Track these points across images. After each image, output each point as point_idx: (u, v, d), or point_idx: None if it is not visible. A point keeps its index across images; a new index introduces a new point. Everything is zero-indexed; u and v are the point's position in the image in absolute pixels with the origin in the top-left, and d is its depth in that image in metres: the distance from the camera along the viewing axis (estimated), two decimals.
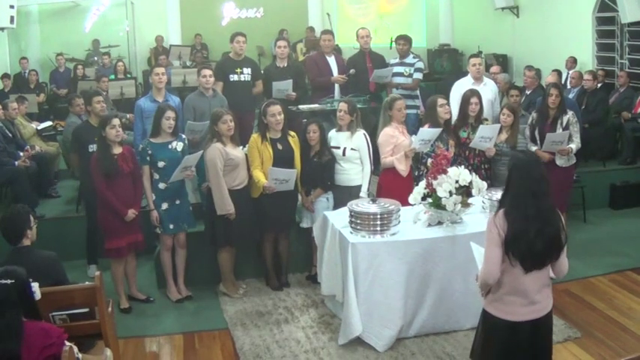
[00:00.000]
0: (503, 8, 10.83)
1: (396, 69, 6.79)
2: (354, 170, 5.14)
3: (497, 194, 4.54)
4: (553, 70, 8.02)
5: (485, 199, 4.59)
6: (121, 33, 12.24)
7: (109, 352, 3.40)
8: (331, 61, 6.65)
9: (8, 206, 4.68)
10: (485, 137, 5.28)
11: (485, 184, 4.52)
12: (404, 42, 6.94)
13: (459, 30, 12.81)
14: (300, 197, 5.25)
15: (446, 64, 12.11)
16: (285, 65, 6.53)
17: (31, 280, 2.86)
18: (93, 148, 4.98)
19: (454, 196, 4.24)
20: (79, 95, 6.52)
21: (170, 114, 4.90)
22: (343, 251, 4.28)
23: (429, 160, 5.03)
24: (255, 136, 5.10)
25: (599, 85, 8.07)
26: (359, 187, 5.10)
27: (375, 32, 7.78)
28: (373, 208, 4.29)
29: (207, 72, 5.75)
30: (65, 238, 5.67)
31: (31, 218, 3.64)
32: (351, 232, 4.30)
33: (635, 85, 8.20)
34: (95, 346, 3.45)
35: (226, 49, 8.20)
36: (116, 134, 4.70)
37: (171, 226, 4.98)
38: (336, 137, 5.20)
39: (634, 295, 4.96)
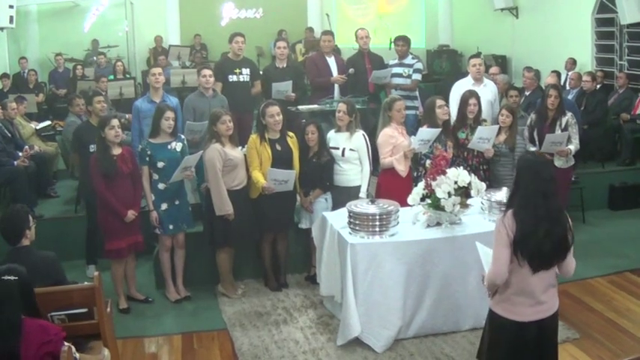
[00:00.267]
0: (502, 9, 10.81)
1: (395, 70, 6.78)
2: (353, 171, 5.14)
3: (496, 195, 4.57)
4: (552, 71, 8.01)
5: (484, 200, 4.58)
6: (120, 33, 12.26)
7: (106, 352, 3.40)
8: (331, 61, 6.65)
9: (7, 206, 4.68)
10: (484, 138, 5.27)
11: (484, 185, 4.52)
12: (403, 43, 6.94)
13: (458, 31, 12.79)
14: (298, 198, 5.25)
15: (445, 64, 12.06)
16: (285, 66, 6.53)
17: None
18: (94, 148, 4.97)
19: (453, 197, 4.24)
20: (79, 95, 6.53)
21: (169, 114, 4.90)
22: (342, 252, 4.28)
23: (428, 162, 5.04)
24: (253, 137, 5.10)
25: (598, 86, 8.07)
26: (358, 188, 5.10)
27: (374, 33, 7.77)
28: (372, 209, 4.28)
29: (207, 72, 5.75)
30: (64, 238, 5.68)
31: (30, 218, 3.65)
32: (350, 233, 4.30)
33: (634, 87, 8.20)
34: (93, 347, 3.44)
35: (225, 50, 8.18)
36: (115, 135, 4.69)
37: (170, 227, 4.97)
38: (335, 138, 5.20)
39: (633, 296, 4.96)
